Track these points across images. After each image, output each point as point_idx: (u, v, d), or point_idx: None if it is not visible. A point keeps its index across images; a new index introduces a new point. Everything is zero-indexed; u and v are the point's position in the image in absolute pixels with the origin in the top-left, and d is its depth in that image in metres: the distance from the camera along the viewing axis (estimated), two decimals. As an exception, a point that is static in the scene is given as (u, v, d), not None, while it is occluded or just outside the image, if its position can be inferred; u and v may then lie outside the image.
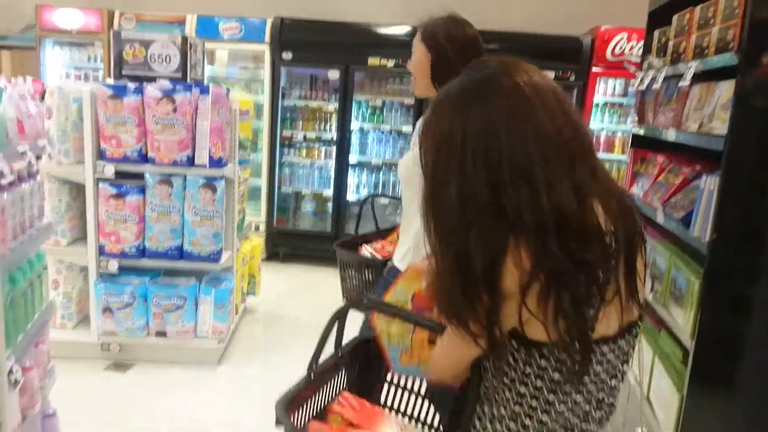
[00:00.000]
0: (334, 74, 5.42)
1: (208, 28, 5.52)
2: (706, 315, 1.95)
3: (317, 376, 1.26)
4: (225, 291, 3.60)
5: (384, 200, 5.47)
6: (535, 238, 0.92)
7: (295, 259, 5.72)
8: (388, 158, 5.68)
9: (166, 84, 3.28)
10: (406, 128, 5.57)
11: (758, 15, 1.81)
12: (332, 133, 5.64)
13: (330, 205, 5.78)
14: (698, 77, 2.27)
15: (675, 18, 2.59)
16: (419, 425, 1.33)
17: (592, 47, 5.23)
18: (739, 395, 2.01)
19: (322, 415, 1.28)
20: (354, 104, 5.55)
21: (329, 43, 5.49)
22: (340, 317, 1.26)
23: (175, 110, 3.25)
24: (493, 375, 1.05)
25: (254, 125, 4.77)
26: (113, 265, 3.42)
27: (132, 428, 2.91)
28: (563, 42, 5.31)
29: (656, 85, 2.59)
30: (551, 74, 5.15)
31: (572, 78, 5.27)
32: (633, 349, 1.10)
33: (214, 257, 3.48)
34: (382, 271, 2.12)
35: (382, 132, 5.73)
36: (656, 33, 2.89)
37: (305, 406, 1.24)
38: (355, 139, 5.70)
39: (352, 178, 5.76)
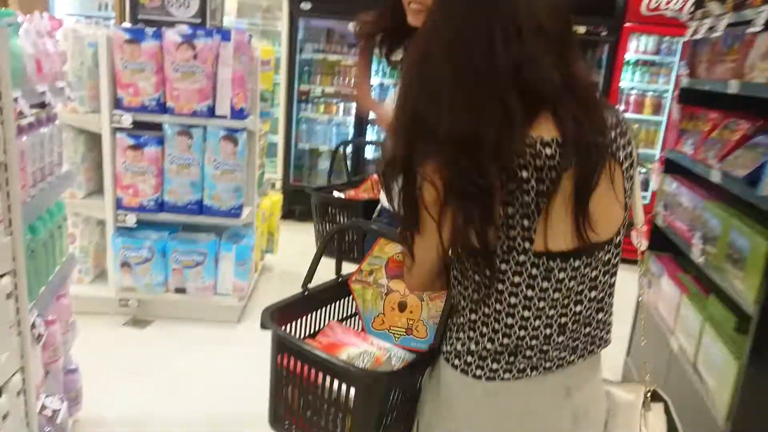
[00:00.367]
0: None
1: (224, -26, 5.29)
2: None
3: (311, 294, 1.31)
4: (246, 247, 3.49)
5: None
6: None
7: (312, 218, 5.59)
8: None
9: (186, 29, 3.11)
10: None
11: None
12: (351, 89, 5.44)
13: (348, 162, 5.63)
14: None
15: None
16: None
17: (626, 0, 4.97)
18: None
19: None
20: (374, 59, 5.33)
21: (351, -8, 5.26)
22: (338, 231, 1.37)
23: (195, 57, 3.08)
24: (452, 284, 1.10)
25: (272, 78, 4.58)
26: (131, 219, 3.31)
27: (150, 385, 2.83)
28: (596, -6, 5.05)
29: (716, 34, 2.41)
30: (582, 29, 4.94)
31: (604, 33, 5.03)
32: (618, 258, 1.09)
33: (235, 212, 3.36)
34: (359, 213, 2.20)
35: (403, 87, 5.54)
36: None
37: (296, 324, 1.30)
38: (374, 94, 5.51)
39: (371, 136, 5.59)
